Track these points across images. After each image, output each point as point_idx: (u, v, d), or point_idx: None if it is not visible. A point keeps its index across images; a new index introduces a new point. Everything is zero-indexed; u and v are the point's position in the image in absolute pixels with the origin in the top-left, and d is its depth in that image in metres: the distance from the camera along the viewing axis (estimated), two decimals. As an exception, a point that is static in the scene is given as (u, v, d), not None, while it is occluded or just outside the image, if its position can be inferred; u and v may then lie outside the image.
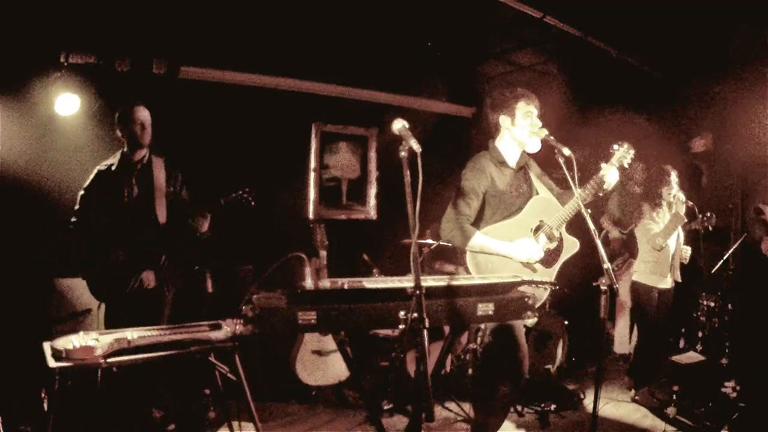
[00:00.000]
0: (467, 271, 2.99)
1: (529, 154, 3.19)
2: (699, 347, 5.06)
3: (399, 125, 2.30)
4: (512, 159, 3.15)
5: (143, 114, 3.52)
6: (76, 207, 3.51)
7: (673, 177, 4.41)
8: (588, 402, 4.39)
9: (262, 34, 4.60)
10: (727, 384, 4.13)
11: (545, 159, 3.13)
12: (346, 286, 2.28)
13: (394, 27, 4.72)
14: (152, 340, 2.45)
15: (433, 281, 2.40)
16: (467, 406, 3.92)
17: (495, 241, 2.95)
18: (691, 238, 4.73)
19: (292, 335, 4.36)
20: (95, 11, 3.95)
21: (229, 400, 2.88)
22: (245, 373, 2.63)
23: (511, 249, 2.94)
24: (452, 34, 5.00)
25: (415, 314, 2.01)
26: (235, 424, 2.89)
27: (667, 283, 4.45)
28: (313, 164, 5.74)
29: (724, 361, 4.81)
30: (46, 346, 2.37)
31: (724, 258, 5.07)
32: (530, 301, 2.51)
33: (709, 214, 4.66)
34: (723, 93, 5.52)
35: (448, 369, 4.50)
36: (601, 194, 3.07)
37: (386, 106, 5.89)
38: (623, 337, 5.67)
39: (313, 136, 5.73)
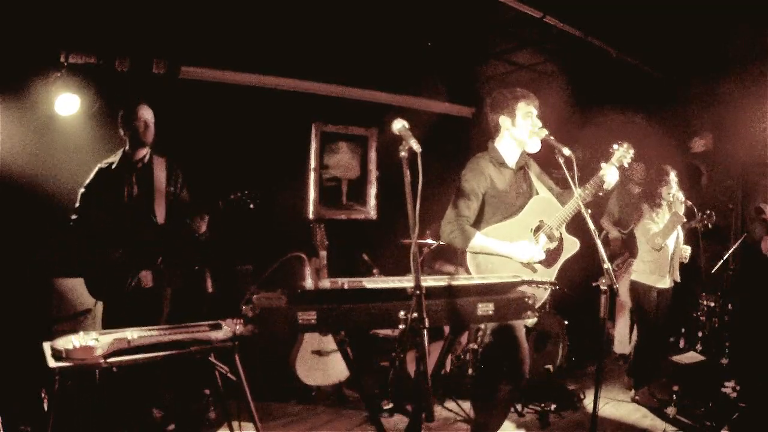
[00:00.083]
0: (467, 271, 2.99)
1: (529, 154, 3.19)
2: (699, 347, 5.06)
3: (399, 125, 2.30)
4: (512, 159, 3.15)
5: (146, 113, 3.53)
6: (77, 205, 3.51)
7: (672, 177, 4.41)
8: (588, 402, 4.39)
9: (262, 34, 4.59)
10: (727, 384, 4.13)
11: (545, 159, 3.13)
12: (346, 286, 2.28)
13: (394, 27, 4.71)
14: (152, 340, 2.45)
15: (433, 281, 2.40)
16: (467, 406, 3.92)
17: (495, 242, 2.95)
18: (691, 236, 4.73)
19: (292, 335, 4.35)
20: (95, 11, 3.95)
21: (229, 400, 2.89)
22: (245, 373, 2.64)
23: (512, 249, 2.94)
24: (452, 34, 5.00)
25: (415, 314, 2.01)
26: (235, 424, 2.89)
27: (665, 283, 4.45)
28: (313, 164, 5.74)
29: (724, 361, 4.81)
30: (46, 346, 2.37)
31: (724, 258, 5.06)
32: (530, 301, 2.51)
33: (708, 212, 4.65)
34: (723, 93, 5.52)
35: (448, 369, 4.50)
36: (601, 194, 3.07)
37: (386, 106, 5.89)
38: (623, 337, 5.67)
39: (313, 136, 5.73)
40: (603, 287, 2.55)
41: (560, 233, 3.07)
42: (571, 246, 3.10)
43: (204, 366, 2.67)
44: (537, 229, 3.05)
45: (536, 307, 2.56)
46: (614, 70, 5.39)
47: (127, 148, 3.56)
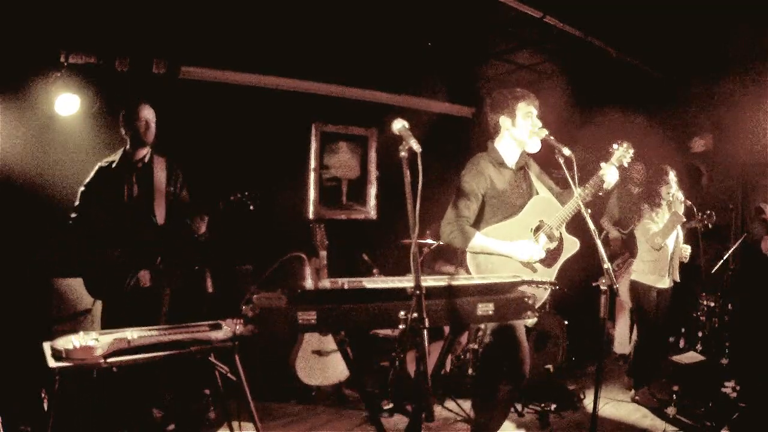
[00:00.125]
0: (467, 272, 2.98)
1: (529, 154, 3.19)
2: (699, 347, 5.06)
3: (399, 125, 2.29)
4: (512, 159, 3.15)
5: (148, 112, 3.53)
6: (76, 203, 3.51)
7: (672, 176, 4.41)
8: (588, 402, 4.39)
9: (261, 34, 4.59)
10: (727, 384, 4.13)
11: (545, 159, 3.13)
12: (346, 286, 2.28)
13: (394, 27, 4.71)
14: (152, 340, 2.45)
15: (433, 281, 2.40)
16: (467, 406, 3.92)
17: (495, 242, 2.95)
18: (691, 236, 4.73)
19: (292, 335, 4.35)
20: (95, 11, 3.94)
21: (229, 400, 2.89)
22: (245, 373, 2.64)
23: (512, 249, 2.94)
24: (452, 34, 4.99)
25: (415, 314, 2.01)
26: (235, 424, 2.89)
27: (665, 283, 4.45)
28: (313, 164, 5.74)
29: (724, 361, 4.81)
30: (46, 346, 2.37)
31: (724, 258, 5.06)
32: (530, 301, 2.51)
33: (708, 212, 4.65)
34: (723, 93, 5.52)
35: (448, 369, 4.50)
36: (600, 193, 3.07)
37: (386, 106, 5.89)
38: (623, 337, 5.67)
39: (313, 136, 5.74)
40: (603, 287, 2.55)
41: (560, 233, 3.07)
42: (571, 246, 3.10)
43: (204, 366, 2.67)
44: (537, 229, 3.05)
45: (536, 307, 2.56)
46: (614, 70, 5.39)
47: (127, 147, 3.56)
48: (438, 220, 3.08)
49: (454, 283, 2.43)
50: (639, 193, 5.27)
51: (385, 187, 6.07)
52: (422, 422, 2.07)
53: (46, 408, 3.08)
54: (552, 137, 2.95)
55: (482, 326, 4.00)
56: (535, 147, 3.06)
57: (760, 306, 5.13)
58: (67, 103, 4.13)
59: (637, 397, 4.45)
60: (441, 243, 4.02)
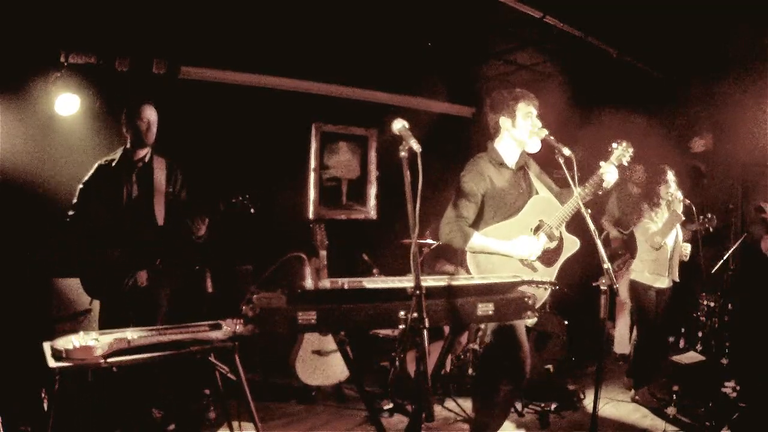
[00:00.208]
0: (467, 271, 2.99)
1: (529, 154, 3.19)
2: (699, 347, 5.06)
3: (399, 125, 2.29)
4: (511, 159, 3.15)
5: (150, 113, 3.52)
6: (74, 201, 3.49)
7: (670, 176, 4.41)
8: (588, 402, 4.39)
9: (261, 34, 4.59)
10: (727, 384, 4.13)
11: (545, 159, 3.13)
12: (346, 286, 2.28)
13: (394, 27, 4.71)
14: (152, 340, 2.45)
15: (433, 281, 2.40)
16: (467, 406, 3.92)
17: (494, 241, 2.95)
18: (692, 239, 4.72)
19: (292, 335, 4.35)
20: (95, 11, 3.94)
21: (229, 400, 2.89)
22: (245, 373, 2.64)
23: (510, 247, 2.94)
24: (452, 34, 5.00)
25: (415, 314, 2.01)
26: (235, 424, 2.89)
27: (664, 283, 4.45)
28: (313, 164, 5.74)
29: (724, 361, 4.81)
30: (46, 346, 2.37)
31: (724, 258, 5.06)
32: (530, 301, 2.51)
33: (710, 216, 4.64)
34: (723, 93, 5.52)
35: (448, 369, 4.50)
36: (600, 193, 3.07)
37: (386, 106, 5.90)
38: (623, 337, 5.67)
39: (313, 136, 5.74)
40: (603, 287, 2.55)
41: (560, 232, 3.07)
42: (571, 245, 3.10)
43: (204, 366, 2.67)
44: (537, 229, 3.05)
45: (536, 307, 2.56)
46: (614, 70, 5.39)
47: (127, 146, 3.55)
48: (438, 220, 3.08)
49: (454, 283, 2.44)
50: (639, 193, 5.27)
51: (385, 187, 6.07)
52: (422, 422, 2.07)
53: (46, 408, 3.08)
54: (552, 137, 2.95)
55: (482, 326, 4.01)
56: (535, 147, 3.07)
57: (760, 306, 5.13)
58: (67, 103, 4.13)
59: (637, 397, 4.45)
60: (441, 243, 4.03)
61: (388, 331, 4.66)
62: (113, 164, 3.52)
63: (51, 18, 3.94)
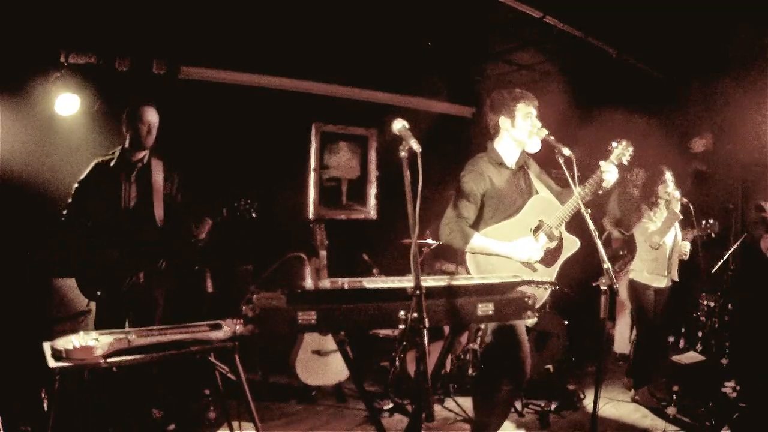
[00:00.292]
0: (467, 271, 2.99)
1: (528, 154, 3.19)
2: (699, 347, 5.06)
3: (399, 125, 2.29)
4: (511, 159, 3.15)
5: (152, 116, 3.50)
6: (70, 200, 3.46)
7: (668, 176, 4.41)
8: (588, 402, 4.39)
9: (261, 34, 4.60)
10: (727, 384, 4.13)
11: (545, 159, 3.13)
12: (346, 286, 2.28)
13: (394, 27, 4.72)
14: (152, 340, 2.45)
15: (433, 281, 2.40)
16: (467, 406, 3.92)
17: (495, 242, 2.95)
18: (692, 243, 4.71)
19: (292, 335, 4.35)
20: (95, 11, 3.95)
21: (229, 400, 2.89)
22: (245, 373, 2.64)
23: (511, 249, 2.94)
24: (452, 34, 5.00)
25: (415, 314, 2.01)
26: (235, 424, 2.89)
27: (663, 283, 4.45)
28: (313, 164, 5.75)
29: (724, 361, 4.81)
30: (46, 346, 2.37)
31: (724, 258, 5.06)
32: (530, 301, 2.50)
33: (711, 222, 4.61)
34: (723, 93, 5.52)
35: (448, 369, 4.50)
36: (600, 192, 3.07)
37: (386, 106, 5.90)
38: (623, 337, 5.67)
39: (313, 136, 5.74)
40: (603, 287, 2.54)
41: (560, 232, 3.07)
42: (571, 245, 3.10)
43: (204, 366, 2.67)
44: (537, 229, 3.05)
45: (536, 307, 2.56)
46: (614, 70, 5.39)
47: (126, 146, 3.54)
48: (438, 220, 3.08)
49: (454, 283, 2.43)
50: (639, 195, 5.26)
51: (385, 187, 6.07)
52: (422, 422, 2.06)
53: (46, 408, 3.08)
54: (552, 137, 2.95)
55: (482, 326, 4.00)
56: (535, 147, 3.07)
57: (760, 306, 5.12)
58: (67, 103, 4.13)
59: (637, 397, 4.45)
60: (441, 243, 4.03)
61: (388, 331, 4.66)
62: (111, 164, 3.51)
63: (51, 18, 3.95)
